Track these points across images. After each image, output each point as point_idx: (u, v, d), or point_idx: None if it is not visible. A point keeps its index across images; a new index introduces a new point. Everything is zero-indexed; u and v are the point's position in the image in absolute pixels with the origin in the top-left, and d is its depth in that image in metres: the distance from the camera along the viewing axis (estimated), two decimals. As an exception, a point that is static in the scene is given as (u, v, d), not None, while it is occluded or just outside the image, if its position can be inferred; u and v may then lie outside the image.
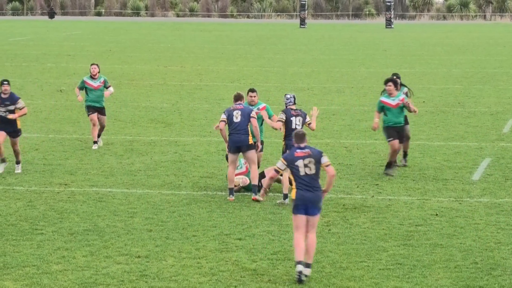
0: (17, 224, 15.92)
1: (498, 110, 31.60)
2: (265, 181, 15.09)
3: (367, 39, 78.14)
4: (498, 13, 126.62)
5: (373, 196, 18.30)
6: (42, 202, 17.55)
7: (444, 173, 20.74)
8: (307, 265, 12.83)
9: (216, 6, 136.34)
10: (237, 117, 18.15)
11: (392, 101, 20.18)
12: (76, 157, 22.50)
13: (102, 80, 23.51)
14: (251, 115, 18.17)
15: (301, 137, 13.28)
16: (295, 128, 17.49)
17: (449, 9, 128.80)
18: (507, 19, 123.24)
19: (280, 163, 13.50)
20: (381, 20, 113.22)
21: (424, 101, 33.85)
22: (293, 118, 17.97)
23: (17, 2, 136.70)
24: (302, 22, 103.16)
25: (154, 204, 17.51)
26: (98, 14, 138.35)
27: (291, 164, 13.23)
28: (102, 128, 23.52)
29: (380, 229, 15.69)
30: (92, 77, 23.40)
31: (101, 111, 23.22)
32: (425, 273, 13.17)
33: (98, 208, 17.13)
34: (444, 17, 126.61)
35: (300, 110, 18.38)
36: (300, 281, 12.63)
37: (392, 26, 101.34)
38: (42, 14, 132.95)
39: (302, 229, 13.09)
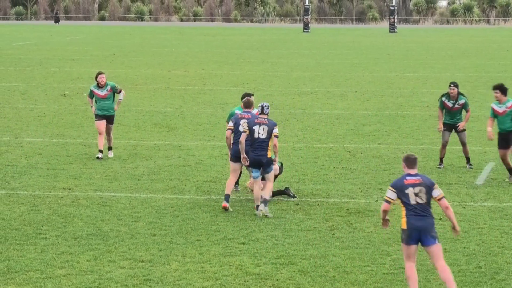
0: (20, 229, 15.93)
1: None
2: (381, 215, 14.11)
3: (371, 44, 78.19)
4: (502, 18, 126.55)
5: (376, 200, 18.24)
6: (46, 207, 17.57)
7: (447, 177, 20.75)
8: None
9: (219, 10, 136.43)
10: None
11: (499, 108, 20.24)
12: (80, 162, 22.50)
13: (109, 88, 23.17)
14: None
15: (412, 162, 12.53)
16: (258, 138, 17.21)
17: (453, 13, 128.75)
18: (510, 23, 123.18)
19: (390, 192, 12.56)
20: (385, 24, 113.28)
21: (428, 105, 33.86)
22: (255, 127, 17.34)
23: (20, 6, 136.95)
24: (306, 26, 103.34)
25: (157, 209, 17.53)
26: (102, 18, 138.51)
27: (400, 192, 12.41)
28: (109, 138, 23.22)
29: (383, 233, 15.67)
30: (99, 86, 23.11)
31: (109, 119, 22.98)
32: (428, 277, 13.20)
33: (102, 213, 17.15)
34: (448, 22, 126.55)
35: (268, 119, 17.59)
36: None
37: (396, 30, 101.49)
38: (46, 18, 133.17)
39: (414, 259, 12.40)
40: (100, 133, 22.59)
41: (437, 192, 12.38)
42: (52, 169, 21.43)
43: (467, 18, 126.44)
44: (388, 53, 64.46)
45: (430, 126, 28.69)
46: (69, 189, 19.20)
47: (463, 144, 21.82)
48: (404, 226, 12.50)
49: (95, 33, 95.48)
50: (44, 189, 19.22)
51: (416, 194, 12.41)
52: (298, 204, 17.90)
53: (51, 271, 13.45)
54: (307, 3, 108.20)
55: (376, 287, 12.83)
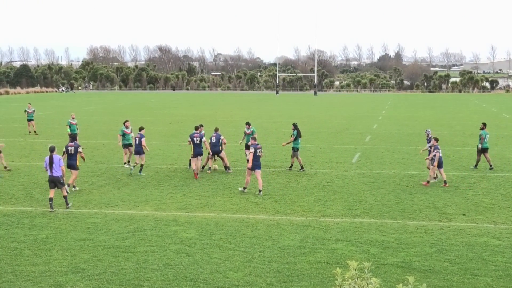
0: (151, 182, 15.23)
1: (363, 131, 30.68)
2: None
3: (305, 100, 77.88)
4: (363, 89, 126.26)
5: (308, 170, 17.50)
6: (162, 172, 16.75)
7: (340, 159, 20.11)
8: None
9: (238, 85, 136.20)
10: (213, 139, 16.51)
11: None
12: (177, 152, 21.26)
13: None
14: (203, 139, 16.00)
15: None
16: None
17: (342, 87, 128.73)
18: (367, 91, 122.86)
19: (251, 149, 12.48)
20: (312, 91, 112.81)
21: (331, 127, 33.16)
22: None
23: (151, 84, 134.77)
24: (277, 92, 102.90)
25: (211, 174, 16.77)
26: (187, 89, 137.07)
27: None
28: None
29: (311, 184, 15.10)
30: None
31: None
32: (331, 204, 12.85)
33: (186, 176, 16.30)
34: (340, 91, 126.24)
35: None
36: None
37: (317, 94, 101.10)
38: (161, 90, 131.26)
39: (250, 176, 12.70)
40: None
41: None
42: (140, 159, 20.92)
43: (348, 89, 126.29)
44: (312, 104, 63.93)
45: (332, 136, 28.33)
46: (172, 164, 18.39)
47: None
48: (251, 163, 12.80)
49: (184, 96, 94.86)
50: (161, 164, 18.18)
51: (260, 151, 12.86)
52: (273, 171, 17.39)
53: (164, 200, 13.18)
54: (277, 82, 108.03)
55: (308, 208, 12.55)
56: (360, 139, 27.73)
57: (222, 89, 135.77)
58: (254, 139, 14.47)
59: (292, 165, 17.85)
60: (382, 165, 19.04)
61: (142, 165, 16.64)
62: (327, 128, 33.87)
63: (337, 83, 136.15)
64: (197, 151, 16.36)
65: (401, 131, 31.52)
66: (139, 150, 16.63)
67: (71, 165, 13.79)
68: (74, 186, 14.35)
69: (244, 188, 14.19)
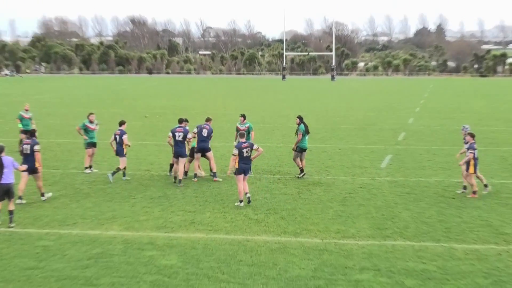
0: (120, 193, 15.69)
1: (395, 127, 31.47)
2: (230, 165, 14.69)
3: (320, 87, 78.12)
4: (395, 72, 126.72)
5: (324, 176, 18.06)
6: (135, 180, 17.28)
7: (364, 163, 20.64)
8: None
9: (234, 68, 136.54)
10: (204, 133, 17.02)
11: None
12: (154, 155, 21.78)
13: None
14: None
15: (242, 135, 13.52)
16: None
17: (367, 70, 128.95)
18: (400, 75, 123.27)
19: (235, 150, 13.95)
20: (328, 76, 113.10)
21: (353, 122, 33.79)
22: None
23: (121, 66, 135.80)
24: (283, 77, 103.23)
25: (198, 182, 17.17)
26: (167, 73, 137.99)
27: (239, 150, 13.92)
28: None
29: (328, 195, 15.54)
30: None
31: None
32: (354, 221, 13.10)
33: (166, 184, 16.85)
34: (364, 75, 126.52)
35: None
36: None
37: (335, 79, 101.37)
38: (135, 73, 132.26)
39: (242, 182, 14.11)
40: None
41: (255, 146, 14.26)
42: (136, 157, 21.10)
43: (375, 72, 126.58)
44: (329, 92, 64.35)
45: (355, 134, 28.64)
46: (148, 170, 18.81)
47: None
48: (237, 166, 13.94)
49: (163, 82, 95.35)
50: (134, 169, 18.62)
51: (246, 151, 13.97)
52: (279, 179, 17.64)
53: (137, 217, 13.30)
54: (284, 64, 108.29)
55: (324, 226, 12.67)
56: (392, 137, 27.93)
57: (212, 73, 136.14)
58: (242, 135, 14.68)
59: (302, 170, 17.82)
60: (420, 170, 19.17)
61: (120, 169, 17.13)
62: (348, 123, 34.08)
63: (361, 64, 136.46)
64: (178, 151, 16.70)
65: (445, 127, 31.65)
66: (120, 151, 17.07)
67: (29, 169, 14.14)
68: (20, 197, 14.46)
69: (241, 201, 14.33)
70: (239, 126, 18.40)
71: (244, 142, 14.52)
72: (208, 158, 17.38)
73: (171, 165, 17.90)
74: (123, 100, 50.76)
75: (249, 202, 14.36)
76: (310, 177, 18.07)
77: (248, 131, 18.17)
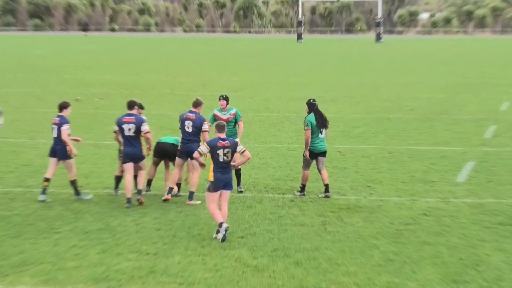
0: (35, 224, 15.71)
1: (481, 117, 31.55)
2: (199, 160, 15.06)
3: (359, 53, 78.25)
4: (479, 28, 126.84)
5: (365, 197, 18.14)
6: (58, 203, 17.37)
7: (431, 175, 20.61)
8: None
9: (220, 22, 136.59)
10: (188, 127, 17.32)
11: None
12: (91, 162, 22.38)
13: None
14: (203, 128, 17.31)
15: (221, 128, 13.69)
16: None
17: (434, 25, 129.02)
18: (486, 34, 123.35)
19: (204, 147, 14.32)
20: (372, 35, 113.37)
21: (412, 109, 33.79)
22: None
23: (37, 19, 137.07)
24: (299, 37, 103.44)
25: (162, 205, 17.36)
26: (112, 30, 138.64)
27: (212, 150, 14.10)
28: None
29: (372, 227, 15.53)
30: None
31: None
32: (414, 269, 13.03)
33: (110, 209, 16.94)
34: (429, 32, 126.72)
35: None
36: None
37: (382, 40, 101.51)
38: (61, 30, 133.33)
39: (216, 202, 14.53)
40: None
41: (240, 147, 14.69)
42: (64, 168, 21.27)
43: (446, 29, 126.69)
44: (373, 62, 64.47)
45: (414, 128, 28.64)
46: (81, 187, 19.03)
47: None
48: (212, 178, 14.40)
49: (106, 44, 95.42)
50: (57, 187, 19.00)
51: (224, 154, 14.46)
52: (292, 200, 17.71)
53: (62, 263, 13.20)
54: (300, 16, 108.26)
55: (366, 277, 12.63)
56: (474, 132, 28.12)
57: (185, 30, 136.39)
58: (222, 128, 14.80)
59: (327, 186, 18.09)
60: (521, 187, 19.33)
61: (73, 182, 17.79)
62: (404, 111, 34.14)
63: (424, 16, 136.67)
64: (129, 152, 17.08)
65: (559, 117, 31.68)
66: (60, 151, 17.91)
67: None
68: None
69: (217, 232, 14.54)
70: (218, 113, 18.48)
71: (224, 139, 14.63)
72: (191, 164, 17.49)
73: (118, 178, 18.04)
74: (40, 74, 50.71)
75: (223, 239, 14.36)
76: (341, 197, 18.06)
77: (234, 121, 18.35)
